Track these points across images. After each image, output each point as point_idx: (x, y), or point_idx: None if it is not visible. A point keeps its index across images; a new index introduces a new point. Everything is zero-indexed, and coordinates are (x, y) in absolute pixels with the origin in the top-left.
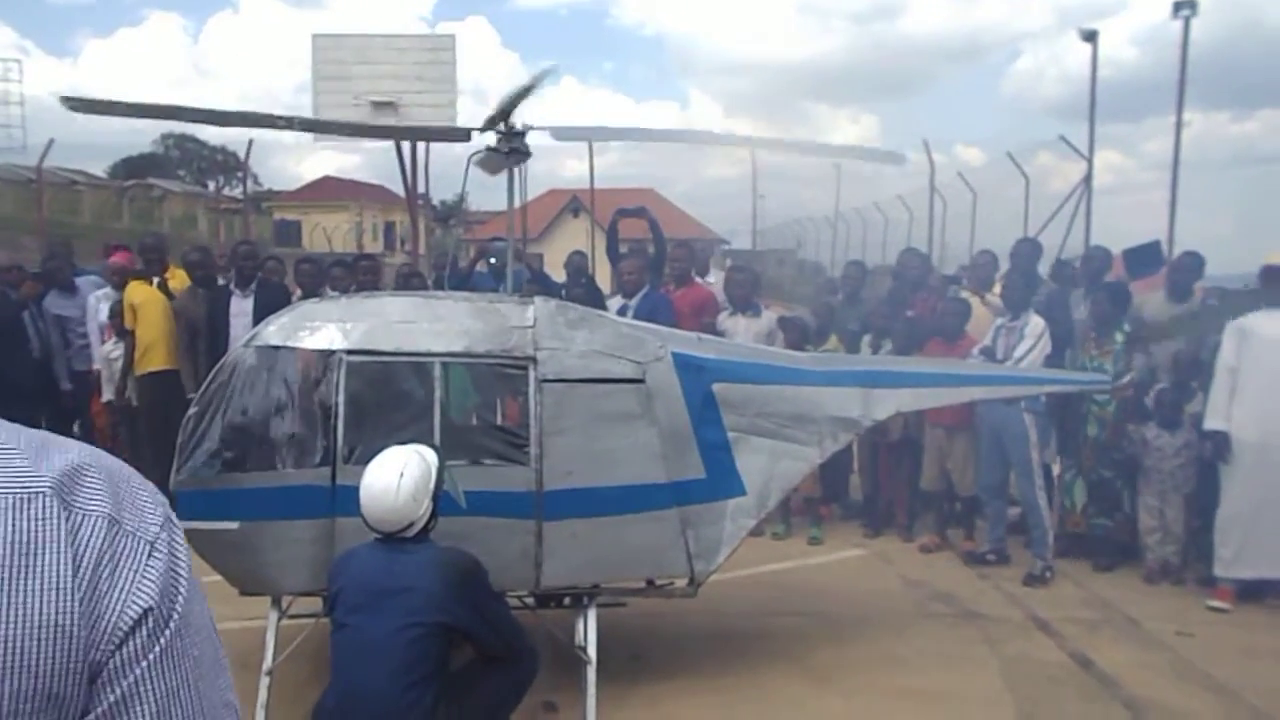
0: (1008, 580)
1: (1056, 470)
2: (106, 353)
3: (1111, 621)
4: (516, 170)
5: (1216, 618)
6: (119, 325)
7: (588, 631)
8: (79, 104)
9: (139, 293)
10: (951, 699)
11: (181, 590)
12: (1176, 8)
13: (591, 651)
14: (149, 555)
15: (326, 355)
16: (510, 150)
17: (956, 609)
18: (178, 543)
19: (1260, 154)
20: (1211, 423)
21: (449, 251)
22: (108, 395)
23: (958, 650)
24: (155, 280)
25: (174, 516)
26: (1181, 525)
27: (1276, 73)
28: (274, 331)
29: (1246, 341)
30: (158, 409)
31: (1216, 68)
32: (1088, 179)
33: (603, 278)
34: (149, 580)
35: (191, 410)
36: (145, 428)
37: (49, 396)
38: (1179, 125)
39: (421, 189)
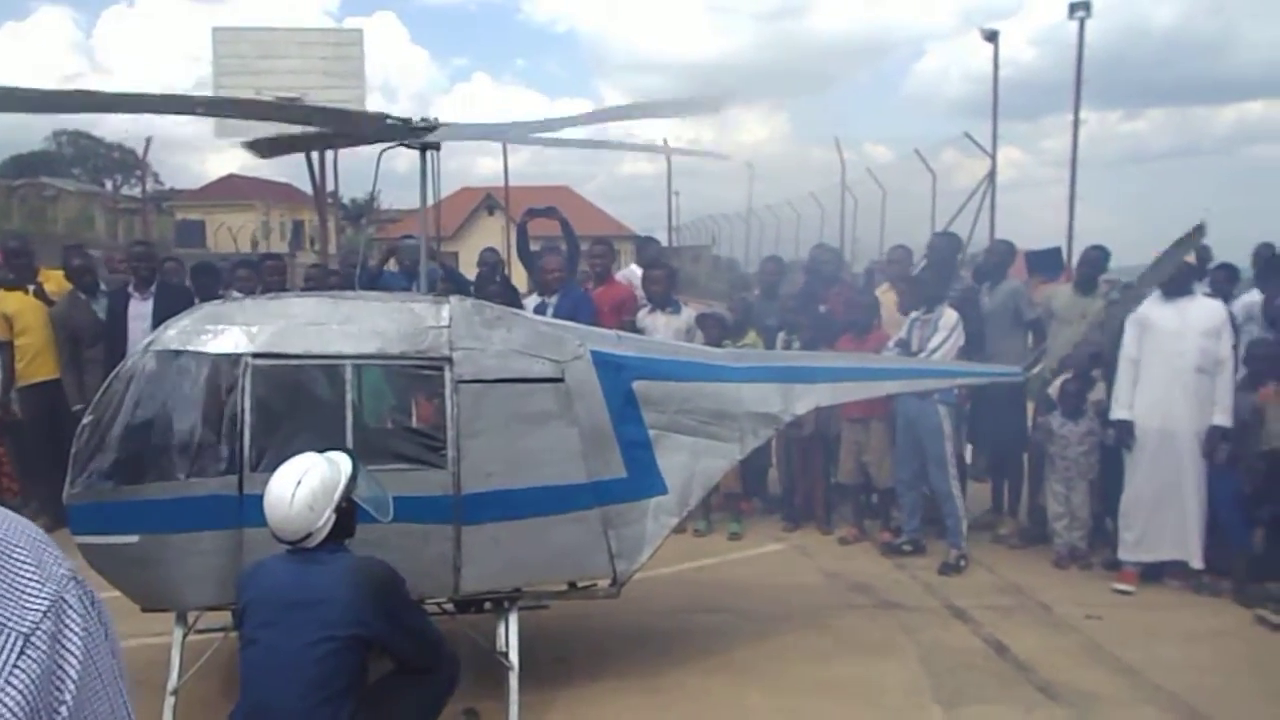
0: (924, 570)
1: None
2: None
3: (1024, 607)
4: (429, 166)
5: (1122, 600)
6: None
7: (509, 636)
8: None
9: (11, 302)
10: (871, 688)
11: (67, 694)
12: (1072, 9)
13: (514, 656)
14: (20, 653)
15: (231, 359)
16: (422, 146)
17: (875, 599)
18: (67, 631)
19: (1150, 151)
20: (1117, 412)
21: (359, 250)
22: None
23: (877, 640)
24: (31, 288)
25: (70, 597)
26: (1087, 511)
27: (1163, 74)
28: (175, 335)
29: (1147, 333)
30: (43, 421)
31: (1109, 68)
32: (991, 175)
33: (517, 277)
34: (15, 687)
35: (86, 419)
36: (31, 441)
37: None
38: (1076, 123)
39: (331, 187)
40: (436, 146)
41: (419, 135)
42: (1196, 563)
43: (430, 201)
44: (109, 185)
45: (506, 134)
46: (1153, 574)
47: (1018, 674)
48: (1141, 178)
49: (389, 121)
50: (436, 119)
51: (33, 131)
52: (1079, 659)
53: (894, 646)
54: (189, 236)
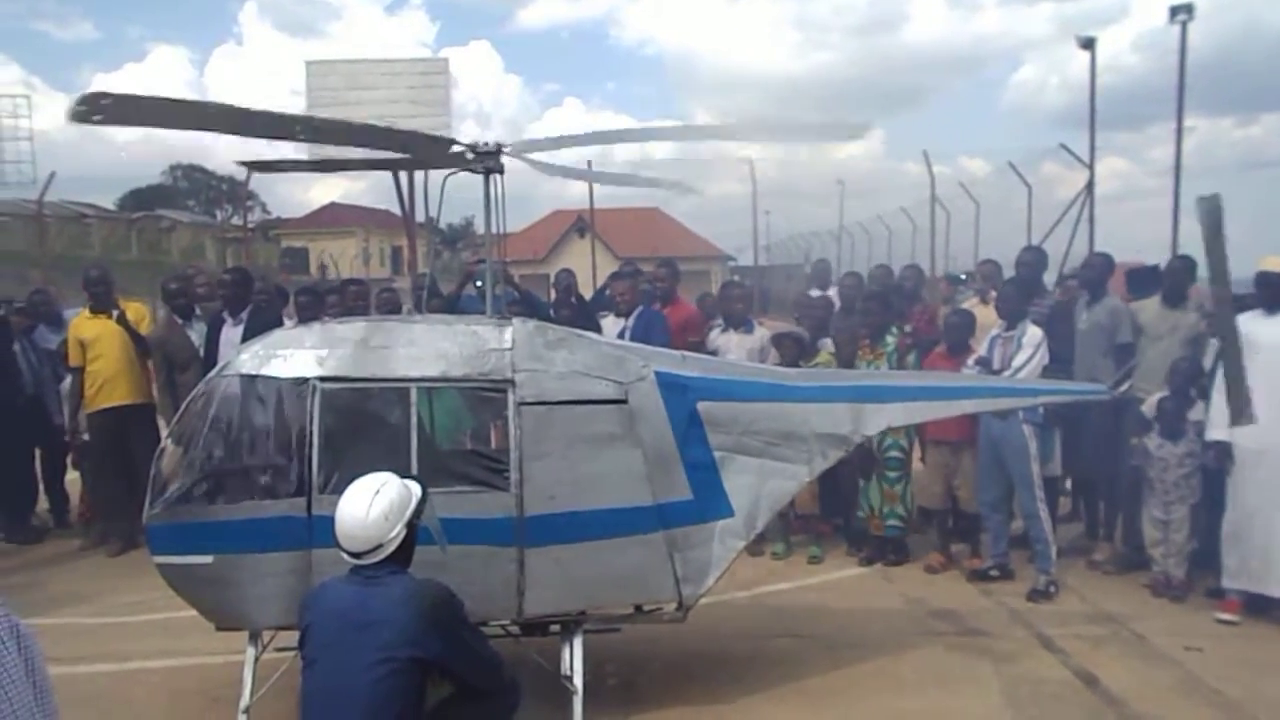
0: (1011, 596)
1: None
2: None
3: (1118, 637)
4: (494, 190)
5: (1225, 630)
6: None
7: (574, 660)
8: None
9: (89, 328)
10: None
11: None
12: (1173, 12)
13: (578, 681)
14: None
15: (300, 383)
16: (485, 170)
17: (958, 627)
18: None
19: (1266, 158)
20: (1214, 432)
21: (428, 274)
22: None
23: (958, 670)
24: (114, 314)
25: None
26: (1186, 536)
27: (1278, 76)
28: (247, 360)
29: (1249, 349)
30: (113, 445)
31: (1219, 73)
32: (1089, 187)
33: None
34: None
35: (164, 442)
36: (99, 466)
37: (43, 429)
38: (1179, 131)
39: (428, 213)
40: (500, 170)
41: (481, 160)
42: None
43: (495, 224)
44: (219, 216)
45: (559, 151)
46: (1260, 604)
47: (1108, 708)
48: (1257, 185)
49: (452, 149)
50: (498, 143)
51: (151, 167)
52: (1176, 693)
53: (975, 677)
54: (293, 263)
